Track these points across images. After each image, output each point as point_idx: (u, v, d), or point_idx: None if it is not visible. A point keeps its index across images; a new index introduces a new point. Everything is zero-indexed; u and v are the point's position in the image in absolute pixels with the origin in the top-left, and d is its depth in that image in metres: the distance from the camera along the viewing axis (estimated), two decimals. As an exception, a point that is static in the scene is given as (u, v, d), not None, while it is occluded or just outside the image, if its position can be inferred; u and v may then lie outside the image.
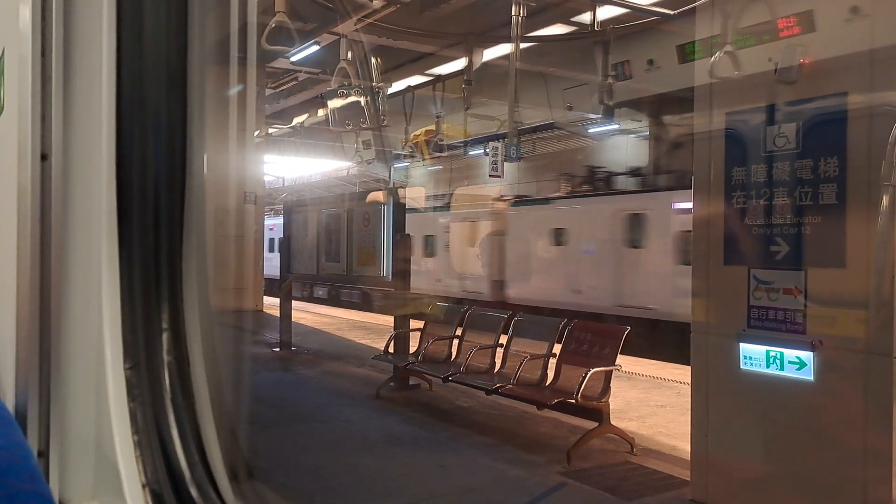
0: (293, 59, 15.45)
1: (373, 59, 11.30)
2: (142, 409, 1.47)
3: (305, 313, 16.35)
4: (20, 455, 1.00)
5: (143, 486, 1.42)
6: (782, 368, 4.16)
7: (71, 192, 1.47)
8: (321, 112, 20.27)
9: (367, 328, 14.26)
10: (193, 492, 1.46)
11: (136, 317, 1.50)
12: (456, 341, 8.06)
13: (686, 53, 10.39)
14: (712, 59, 4.47)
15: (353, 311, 18.84)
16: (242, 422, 1.68)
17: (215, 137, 1.62)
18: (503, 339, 7.34)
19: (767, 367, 4.23)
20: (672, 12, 9.45)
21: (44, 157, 1.43)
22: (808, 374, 4.03)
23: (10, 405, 1.47)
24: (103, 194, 1.46)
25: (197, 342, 1.56)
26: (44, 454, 1.43)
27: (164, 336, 1.54)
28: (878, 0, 3.86)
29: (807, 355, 4.03)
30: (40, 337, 1.44)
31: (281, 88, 20.05)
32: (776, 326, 4.21)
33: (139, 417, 1.47)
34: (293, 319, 11.92)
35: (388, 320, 11.20)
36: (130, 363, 1.48)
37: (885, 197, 3.76)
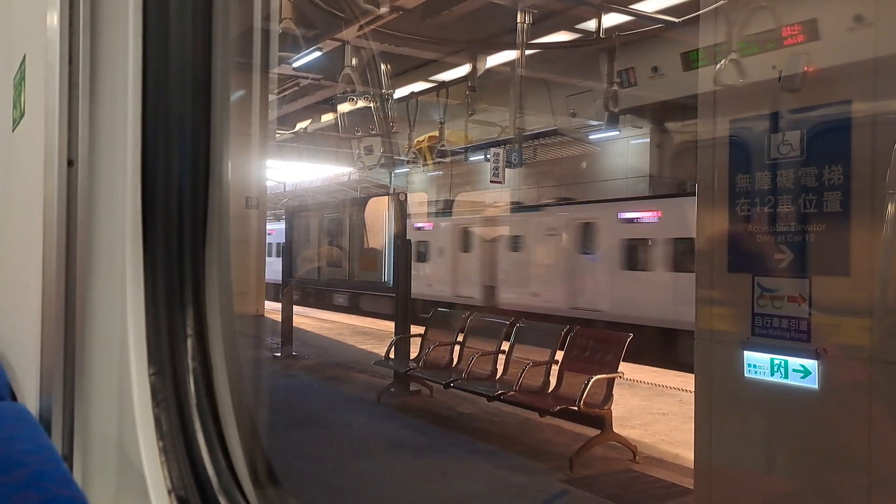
0: (295, 64, 15.48)
1: (382, 65, 11.33)
2: (166, 415, 1.47)
3: (306, 318, 16.34)
4: (51, 459, 1.00)
5: (169, 492, 1.41)
6: (787, 377, 4.15)
7: (96, 197, 1.48)
8: (325, 117, 20.32)
9: (369, 333, 14.24)
10: (221, 498, 1.45)
11: (160, 322, 1.50)
12: (457, 347, 8.05)
13: (690, 61, 10.39)
14: (717, 66, 4.47)
15: (353, 315, 18.81)
16: (264, 427, 1.67)
17: (237, 142, 1.62)
18: (505, 346, 7.33)
19: (772, 375, 4.22)
20: (677, 20, 9.46)
21: (70, 163, 1.44)
22: (812, 383, 4.02)
23: (33, 410, 1.47)
24: (128, 200, 1.47)
25: (219, 347, 1.56)
26: (67, 459, 1.43)
27: (189, 342, 1.54)
28: (882, 9, 3.87)
29: (811, 363, 4.01)
30: (65, 342, 1.44)
31: (283, 94, 20.10)
32: (781, 334, 4.19)
33: (164, 423, 1.46)
34: (294, 324, 11.91)
35: (389, 325, 11.18)
36: (154, 368, 1.47)
37: (890, 205, 3.76)
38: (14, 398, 1.77)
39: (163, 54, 1.47)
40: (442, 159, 19.14)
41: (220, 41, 1.50)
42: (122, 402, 1.46)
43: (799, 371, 4.08)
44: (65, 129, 1.43)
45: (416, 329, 8.89)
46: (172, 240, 1.52)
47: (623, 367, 6.07)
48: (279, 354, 11.35)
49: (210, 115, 1.52)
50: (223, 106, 1.52)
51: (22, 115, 1.85)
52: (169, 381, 1.49)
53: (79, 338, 1.45)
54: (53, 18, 1.42)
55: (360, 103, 11.26)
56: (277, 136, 24.08)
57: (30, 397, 1.54)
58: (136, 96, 1.45)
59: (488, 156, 16.71)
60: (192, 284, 1.54)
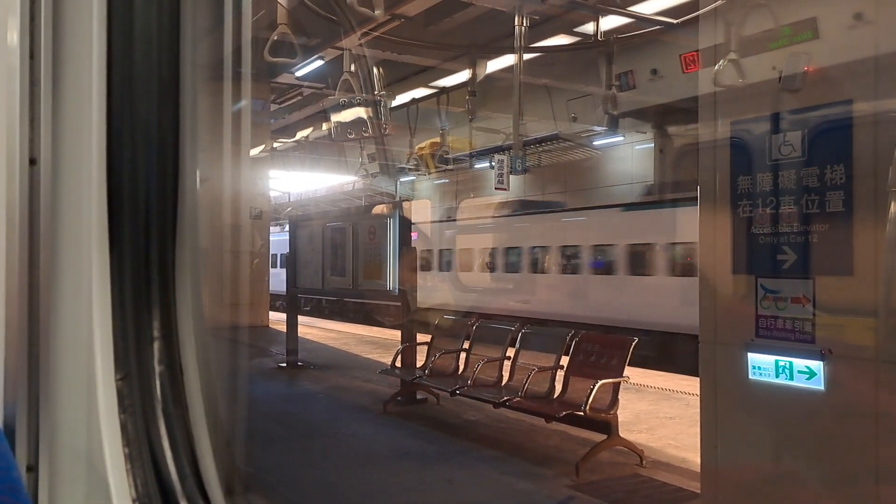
0: (298, 74, 15.51)
1: (375, 70, 11.34)
2: (133, 421, 1.44)
3: (311, 328, 16.33)
4: (3, 467, 0.98)
5: (134, 500, 1.39)
6: (792, 378, 4.12)
7: (60, 197, 1.44)
8: (325, 126, 20.38)
9: (374, 343, 14.23)
10: None
11: (128, 325, 1.47)
12: (463, 355, 8.04)
13: (689, 63, 10.39)
14: (716, 67, 4.46)
15: (359, 326, 18.81)
16: (239, 434, 1.65)
17: (211, 150, 1.60)
18: (510, 352, 7.31)
19: (777, 377, 4.19)
20: (675, 21, 9.46)
21: (32, 161, 1.40)
22: (818, 384, 3.99)
23: None
24: (93, 200, 1.43)
25: (191, 352, 1.53)
26: (33, 468, 1.39)
27: (156, 345, 1.51)
28: (882, 7, 3.85)
29: (816, 364, 3.99)
30: (28, 347, 1.41)
31: (286, 104, 20.14)
32: (785, 336, 4.17)
33: (130, 429, 1.43)
34: (299, 335, 11.91)
35: (395, 335, 11.17)
36: (122, 373, 1.44)
37: (892, 204, 3.73)
38: None
39: (128, 51, 1.44)
40: (444, 166, 19.13)
41: (190, 40, 1.48)
42: (88, 409, 1.43)
43: (804, 372, 4.05)
44: (26, 127, 1.39)
45: (422, 338, 8.87)
46: (140, 242, 1.49)
47: (629, 371, 6.04)
48: (284, 364, 11.34)
49: (178, 115, 1.49)
50: (192, 108, 1.50)
51: None
52: (136, 386, 1.46)
53: (43, 343, 1.42)
54: (14, 15, 1.39)
55: (353, 109, 11.27)
56: (279, 145, 24.13)
57: None
58: (101, 94, 1.42)
59: (492, 162, 16.71)
60: (160, 287, 1.51)
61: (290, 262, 11.76)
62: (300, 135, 23.27)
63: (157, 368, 1.50)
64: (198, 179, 1.53)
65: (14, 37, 1.39)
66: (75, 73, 1.44)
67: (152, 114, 1.49)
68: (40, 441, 1.41)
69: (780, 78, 4.23)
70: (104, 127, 1.43)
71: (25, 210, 1.40)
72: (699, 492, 4.81)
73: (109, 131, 1.43)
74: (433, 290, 19.94)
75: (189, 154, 1.51)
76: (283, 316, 12.28)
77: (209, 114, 1.56)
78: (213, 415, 1.51)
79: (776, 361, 4.19)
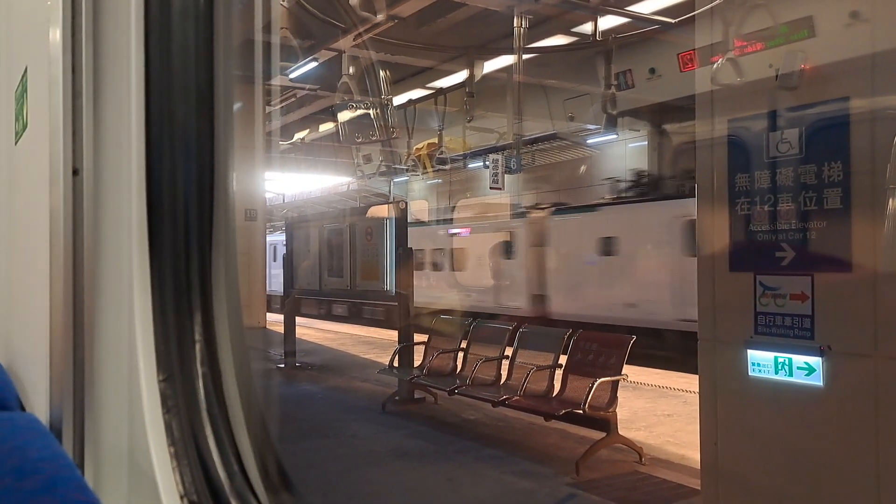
0: (292, 76, 15.51)
1: (381, 72, 11.35)
2: (177, 420, 1.47)
3: (309, 329, 16.33)
4: (65, 466, 1.01)
5: (182, 497, 1.41)
6: (791, 374, 4.14)
7: (102, 205, 1.48)
8: (323, 127, 20.36)
9: (372, 343, 14.23)
10: (234, 502, 1.45)
11: (169, 329, 1.50)
12: (461, 354, 8.05)
13: (686, 61, 10.43)
14: (714, 66, 4.48)
15: (357, 326, 18.81)
16: (275, 432, 1.67)
17: (240, 152, 1.62)
18: (509, 352, 7.32)
19: (776, 373, 4.21)
20: (672, 20, 9.49)
21: (75, 172, 1.45)
22: (817, 380, 4.01)
23: (44, 420, 1.47)
24: (133, 207, 1.47)
25: (228, 354, 1.56)
26: (79, 466, 1.43)
27: (198, 347, 1.54)
28: (878, 4, 3.88)
29: (816, 361, 4.01)
30: (73, 351, 1.45)
31: (281, 105, 20.13)
32: (784, 332, 4.19)
33: (175, 428, 1.46)
34: (297, 336, 11.90)
35: (392, 335, 11.18)
36: (164, 375, 1.47)
37: (890, 200, 3.76)
38: (23, 408, 1.77)
39: (165, 63, 1.48)
40: (442, 166, 19.14)
41: (223, 51, 1.51)
42: (132, 409, 1.46)
43: (803, 369, 4.07)
44: (69, 138, 1.44)
45: (420, 337, 8.89)
46: (179, 247, 1.52)
47: (627, 369, 6.06)
48: (283, 365, 11.34)
49: (213, 124, 1.53)
50: (227, 115, 1.52)
51: (25, 127, 1.85)
52: (179, 388, 1.49)
53: (87, 346, 1.45)
54: (56, 31, 1.43)
55: (360, 111, 11.27)
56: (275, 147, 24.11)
57: (39, 407, 1.54)
58: (140, 105, 1.46)
59: (487, 162, 16.73)
60: (200, 292, 1.54)
61: (287, 263, 11.76)
62: (297, 136, 23.26)
63: (200, 370, 1.53)
64: (234, 185, 1.55)
65: (57, 52, 1.44)
66: (115, 86, 1.48)
67: (189, 121, 1.52)
68: (86, 441, 1.45)
69: (777, 76, 4.25)
70: (143, 136, 1.46)
71: (70, 218, 1.45)
72: (699, 488, 4.84)
73: (148, 141, 1.47)
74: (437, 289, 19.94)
75: (224, 160, 1.54)
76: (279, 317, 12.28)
77: (239, 119, 1.58)
78: (250, 414, 1.54)
79: (775, 358, 4.22)
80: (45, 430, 1.34)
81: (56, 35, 1.43)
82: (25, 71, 1.75)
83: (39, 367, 1.55)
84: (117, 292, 1.48)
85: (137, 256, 1.46)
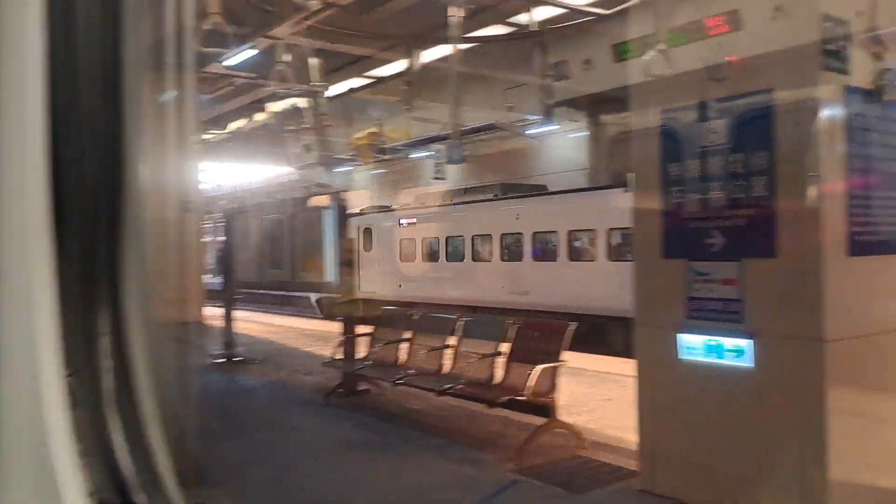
0: (227, 63, 15.12)
1: (312, 60, 11.17)
2: (84, 416, 1.43)
3: (251, 323, 16.07)
4: None
5: (91, 494, 1.37)
6: (721, 357, 4.29)
7: None
8: (258, 116, 19.96)
9: (314, 335, 14.11)
10: (140, 498, 1.42)
11: (74, 322, 1.45)
12: (406, 345, 8.05)
13: (621, 53, 10.60)
14: (646, 57, 4.57)
15: (299, 318, 18.60)
16: (191, 427, 1.65)
17: (153, 143, 1.58)
18: (453, 341, 7.36)
19: (707, 356, 4.36)
20: (606, 12, 9.63)
21: None
22: (747, 362, 4.16)
23: None
24: (34, 195, 1.39)
25: (140, 347, 1.52)
26: None
27: (103, 340, 1.49)
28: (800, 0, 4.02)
29: (745, 343, 4.16)
30: None
31: (217, 94, 19.63)
32: (714, 316, 4.33)
33: (82, 425, 1.42)
34: (239, 330, 11.71)
35: (335, 327, 11.10)
36: (70, 370, 1.42)
37: (811, 187, 3.92)
38: None
39: (69, 43, 1.42)
40: (381, 156, 19.02)
41: (131, 35, 1.46)
42: (36, 407, 1.41)
43: (733, 351, 4.22)
44: None
45: (365, 329, 8.85)
46: (85, 237, 1.47)
47: (567, 355, 6.16)
48: (224, 360, 11.12)
49: (121, 111, 1.48)
50: (135, 103, 1.48)
51: None
52: (86, 383, 1.45)
53: None
54: None
55: (290, 100, 11.09)
56: (211, 136, 23.52)
57: None
58: (38, 89, 1.38)
59: (428, 152, 16.70)
60: (107, 283, 1.50)
61: (226, 256, 11.56)
62: (234, 126, 22.73)
63: (105, 364, 1.48)
64: (143, 174, 1.50)
65: None
66: (12, 68, 1.39)
67: (96, 107, 1.46)
68: None
69: (706, 67, 4.37)
70: (43, 121, 1.39)
71: None
72: (637, 469, 4.97)
73: (54, 127, 1.40)
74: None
75: (133, 148, 1.48)
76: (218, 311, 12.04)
77: (151, 105, 1.54)
78: (164, 410, 1.50)
79: (706, 342, 4.36)
80: None
81: None
82: None
83: None
84: (17, 283, 1.40)
85: (39, 246, 1.39)
